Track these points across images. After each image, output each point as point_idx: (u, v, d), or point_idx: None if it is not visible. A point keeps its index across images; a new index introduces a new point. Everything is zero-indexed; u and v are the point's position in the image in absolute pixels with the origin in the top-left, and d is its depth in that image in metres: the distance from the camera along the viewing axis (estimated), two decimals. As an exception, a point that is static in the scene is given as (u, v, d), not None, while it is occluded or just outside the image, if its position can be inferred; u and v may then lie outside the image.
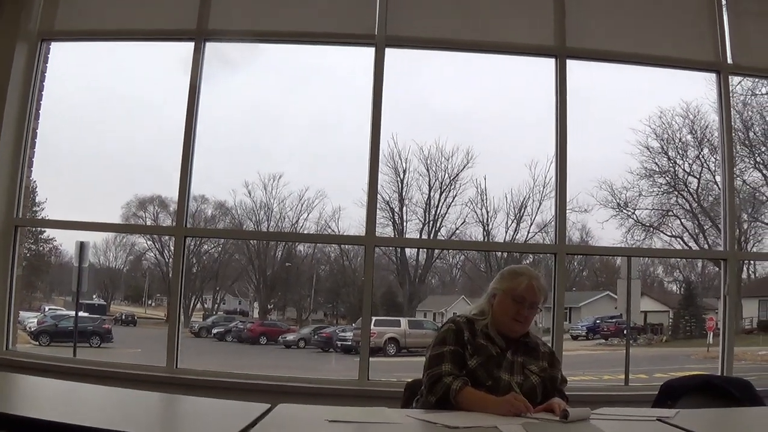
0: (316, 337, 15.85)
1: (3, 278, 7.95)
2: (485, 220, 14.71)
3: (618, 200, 13.67)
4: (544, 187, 13.57)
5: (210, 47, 8.29)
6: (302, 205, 15.17)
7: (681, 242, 14.60)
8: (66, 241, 14.84)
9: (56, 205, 11.72)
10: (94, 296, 16.70)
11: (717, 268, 11.19)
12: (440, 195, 14.66)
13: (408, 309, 15.91)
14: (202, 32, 8.18)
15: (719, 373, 7.95)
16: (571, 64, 8.23)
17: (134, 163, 12.93)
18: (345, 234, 13.93)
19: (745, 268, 15.38)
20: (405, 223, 14.85)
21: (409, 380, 5.08)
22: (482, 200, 14.55)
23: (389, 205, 14.57)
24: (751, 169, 13.78)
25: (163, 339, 7.93)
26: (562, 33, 8.23)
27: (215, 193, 15.38)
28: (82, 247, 10.83)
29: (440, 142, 14.18)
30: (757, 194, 14.22)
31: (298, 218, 15.36)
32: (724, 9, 8.44)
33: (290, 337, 15.98)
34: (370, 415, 4.35)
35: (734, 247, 8.38)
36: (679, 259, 17.03)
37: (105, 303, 16.87)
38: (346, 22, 8.33)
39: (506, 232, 14.67)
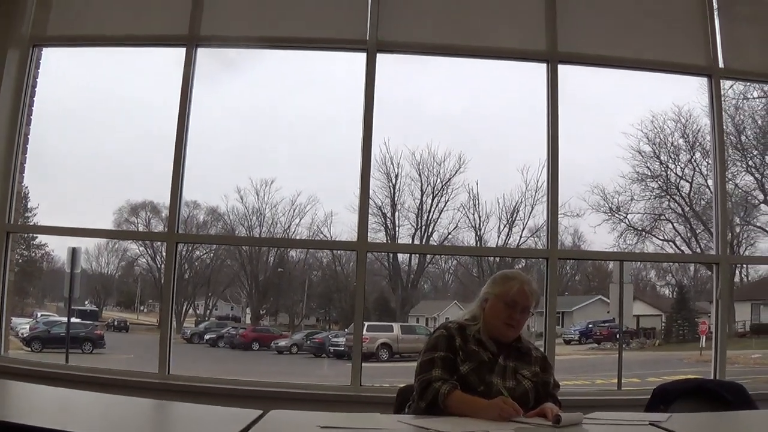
0: (308, 342, 15.88)
1: (-5, 284, 7.94)
2: (477, 225, 14.75)
3: (610, 204, 13.73)
4: (536, 192, 13.62)
5: (202, 53, 8.29)
6: (294, 211, 15.22)
7: (673, 246, 14.66)
8: (58, 247, 14.82)
9: (48, 211, 11.73)
10: (87, 302, 16.71)
11: (709, 272, 11.21)
12: (432, 200, 14.71)
13: (400, 314, 15.94)
14: (193, 38, 8.17)
15: (712, 377, 7.94)
16: (562, 68, 8.23)
17: (126, 168, 12.92)
18: (337, 239, 13.96)
19: (737, 272, 15.44)
20: (397, 229, 14.88)
21: (402, 386, 5.07)
22: (474, 205, 14.60)
23: (381, 211, 14.62)
24: (743, 173, 13.84)
25: (155, 345, 7.90)
26: (553, 38, 8.23)
27: (207, 199, 15.43)
28: (74, 252, 10.81)
29: (432, 147, 14.24)
30: (749, 198, 14.26)
31: (290, 224, 15.38)
32: (715, 13, 8.45)
33: (282, 342, 16.01)
34: (363, 421, 4.35)
35: (726, 251, 8.38)
36: (671, 263, 17.08)
37: (97, 309, 16.89)
38: (338, 27, 8.32)
39: (498, 237, 14.71)
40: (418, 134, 13.37)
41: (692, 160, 14.25)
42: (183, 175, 8.04)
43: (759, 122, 13.68)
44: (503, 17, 8.48)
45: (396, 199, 14.70)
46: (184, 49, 8.17)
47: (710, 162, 8.97)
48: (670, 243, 14.58)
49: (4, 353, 8.10)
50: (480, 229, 14.80)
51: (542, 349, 5.58)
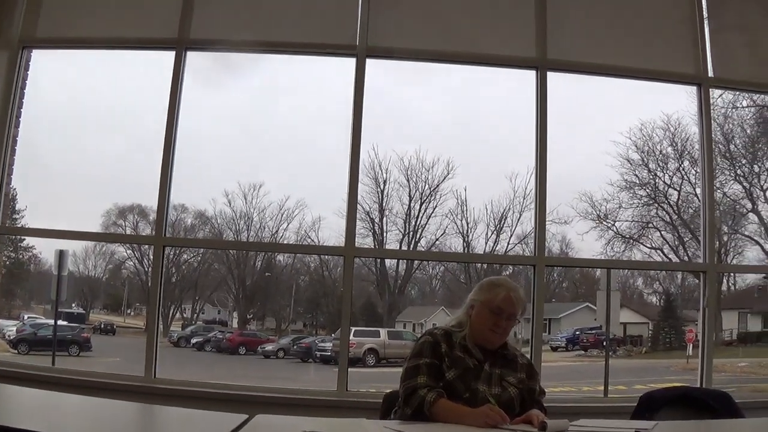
0: (295, 347, 15.83)
1: (-18, 286, 7.94)
2: (465, 232, 14.72)
3: (598, 212, 13.69)
4: (524, 199, 13.57)
5: (191, 57, 8.29)
6: (282, 215, 15.17)
7: (661, 254, 14.64)
8: (45, 249, 14.77)
9: (36, 213, 11.67)
10: (74, 305, 16.65)
11: (697, 280, 11.22)
12: (420, 206, 14.67)
13: (387, 320, 15.91)
14: (183, 41, 8.18)
15: (698, 385, 7.97)
16: (551, 76, 8.26)
17: (114, 171, 12.87)
18: (325, 244, 13.93)
19: (725, 280, 15.44)
20: (385, 234, 14.85)
21: (388, 391, 5.06)
22: (462, 211, 14.56)
23: (369, 216, 14.57)
24: (732, 182, 13.83)
25: (142, 348, 7.91)
26: (543, 45, 8.26)
27: (195, 203, 15.36)
28: (61, 255, 10.79)
29: (421, 152, 14.19)
30: (738, 207, 14.26)
31: (278, 228, 15.35)
32: (705, 22, 8.48)
33: (269, 347, 15.96)
34: (349, 426, 4.35)
35: (714, 260, 8.44)
36: (658, 271, 17.09)
37: (84, 312, 16.81)
38: (328, 32, 8.33)
39: (486, 244, 14.68)
40: (407, 140, 13.35)
41: (681, 168, 14.25)
42: (171, 178, 8.05)
43: (748, 131, 13.70)
44: (493, 24, 8.50)
45: (384, 204, 14.68)
46: (174, 52, 8.18)
47: (699, 170, 8.95)
48: (658, 251, 14.58)
49: (-9, 355, 8.09)
50: (468, 236, 14.79)
51: (528, 356, 5.58)
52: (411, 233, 14.84)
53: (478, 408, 4.18)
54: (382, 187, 14.51)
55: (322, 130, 12.62)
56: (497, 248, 14.57)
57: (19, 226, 11.64)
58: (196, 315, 17.21)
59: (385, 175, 14.36)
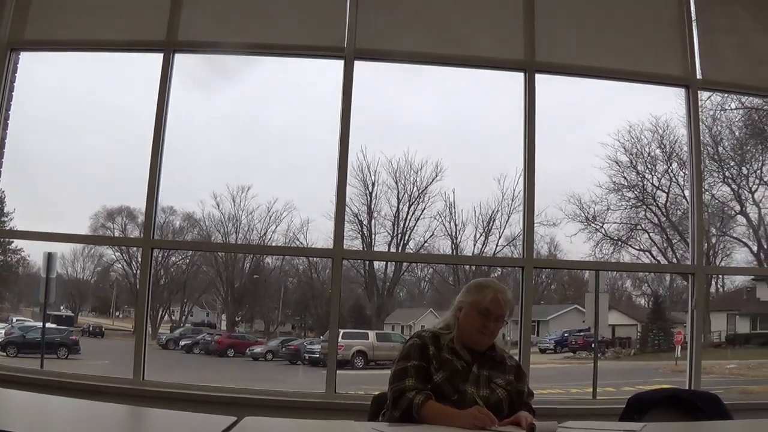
0: (283, 349, 15.83)
1: (-30, 289, 7.92)
2: (453, 233, 14.74)
3: (586, 214, 13.72)
4: (512, 201, 13.60)
5: (180, 59, 8.28)
6: (270, 218, 15.18)
7: (649, 256, 14.67)
8: (34, 252, 14.75)
9: (24, 215, 11.66)
10: (62, 307, 16.63)
11: (685, 282, 11.22)
12: (409, 208, 14.68)
13: (376, 322, 15.90)
14: (171, 43, 8.15)
15: (687, 387, 7.97)
16: (540, 78, 8.25)
17: (103, 174, 12.86)
18: (313, 246, 13.94)
19: (713, 282, 15.49)
20: (373, 236, 14.85)
21: (376, 393, 5.06)
22: (451, 213, 14.58)
23: (358, 218, 14.58)
24: (720, 184, 13.85)
25: (130, 351, 7.88)
26: (531, 47, 8.25)
27: (183, 205, 15.36)
28: (49, 257, 10.76)
29: (409, 154, 14.20)
30: (726, 209, 14.28)
31: (266, 230, 15.35)
32: (693, 24, 8.48)
33: (258, 349, 15.96)
34: (337, 428, 4.34)
35: (702, 262, 8.43)
36: (647, 273, 17.13)
37: (72, 314, 16.79)
38: (316, 34, 8.31)
39: (474, 246, 14.70)
40: (395, 142, 13.38)
41: (669, 170, 14.28)
42: (159, 180, 8.01)
43: (736, 133, 13.73)
44: (481, 26, 8.49)
45: (372, 206, 14.68)
46: (162, 54, 8.16)
47: (687, 172, 8.95)
48: (646, 253, 14.61)
49: (-21, 358, 8.07)
50: (456, 238, 14.81)
51: (517, 358, 5.58)
52: (399, 235, 14.86)
53: (467, 410, 4.19)
54: (370, 189, 14.52)
55: (310, 133, 12.64)
56: (486, 250, 14.60)
57: (7, 228, 11.62)
58: (184, 317, 17.21)
59: (373, 177, 14.38)
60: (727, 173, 13.94)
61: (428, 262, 16.87)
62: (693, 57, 8.42)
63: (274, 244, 15.61)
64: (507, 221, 14.33)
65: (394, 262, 16.50)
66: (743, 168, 13.99)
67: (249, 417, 4.26)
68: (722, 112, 13.26)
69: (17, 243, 15.39)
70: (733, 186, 14.01)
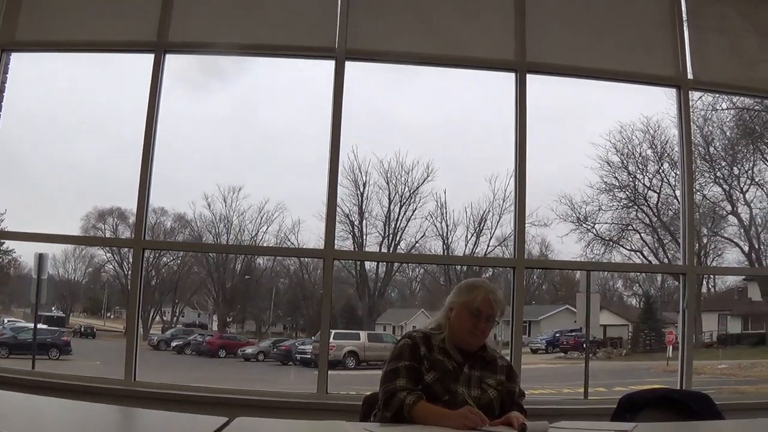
0: (275, 350, 15.81)
1: (-38, 290, 7.91)
2: (445, 234, 14.73)
3: (578, 214, 13.71)
4: (504, 201, 13.57)
5: (170, 60, 8.27)
6: (262, 218, 15.16)
7: (641, 256, 14.67)
8: (25, 253, 14.72)
9: (15, 216, 11.62)
10: (53, 308, 16.59)
11: (676, 282, 11.23)
12: (400, 208, 14.66)
13: (367, 322, 15.88)
14: (162, 44, 8.14)
15: (678, 387, 7.97)
16: (531, 78, 8.25)
17: (94, 174, 12.84)
18: (304, 247, 13.94)
19: (705, 282, 15.49)
20: (365, 237, 14.83)
21: (368, 393, 5.05)
22: (442, 214, 14.56)
23: (349, 218, 14.56)
24: (711, 184, 13.87)
25: (121, 351, 7.86)
26: (522, 47, 8.25)
27: (175, 206, 15.33)
28: (41, 258, 10.76)
29: (400, 155, 14.17)
30: (717, 209, 14.30)
31: (258, 231, 15.34)
32: (684, 24, 8.49)
33: (249, 350, 15.93)
34: (328, 429, 4.34)
35: (693, 262, 8.44)
36: (638, 273, 17.13)
37: (64, 315, 16.76)
38: (307, 34, 8.30)
39: (466, 246, 14.68)
40: (387, 142, 13.35)
41: (660, 170, 14.28)
42: (150, 181, 8.01)
43: (727, 133, 13.75)
44: (472, 26, 8.48)
45: (364, 207, 14.66)
46: (153, 55, 8.15)
47: (678, 173, 8.96)
48: (638, 253, 14.61)
49: (-30, 359, 8.06)
50: (447, 238, 14.80)
51: (508, 358, 5.58)
52: (391, 236, 14.84)
53: (458, 410, 4.18)
54: (361, 189, 14.50)
55: (301, 133, 12.62)
56: (477, 250, 14.58)
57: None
58: (175, 318, 17.18)
59: (364, 177, 14.36)
60: (718, 173, 13.96)
61: (419, 262, 16.87)
62: (684, 57, 8.43)
63: (265, 245, 15.58)
64: (498, 221, 14.32)
65: (385, 263, 16.49)
66: (734, 168, 14.01)
67: (240, 417, 4.25)
68: (713, 113, 13.29)
69: (8, 244, 15.35)
70: (725, 186, 14.04)
